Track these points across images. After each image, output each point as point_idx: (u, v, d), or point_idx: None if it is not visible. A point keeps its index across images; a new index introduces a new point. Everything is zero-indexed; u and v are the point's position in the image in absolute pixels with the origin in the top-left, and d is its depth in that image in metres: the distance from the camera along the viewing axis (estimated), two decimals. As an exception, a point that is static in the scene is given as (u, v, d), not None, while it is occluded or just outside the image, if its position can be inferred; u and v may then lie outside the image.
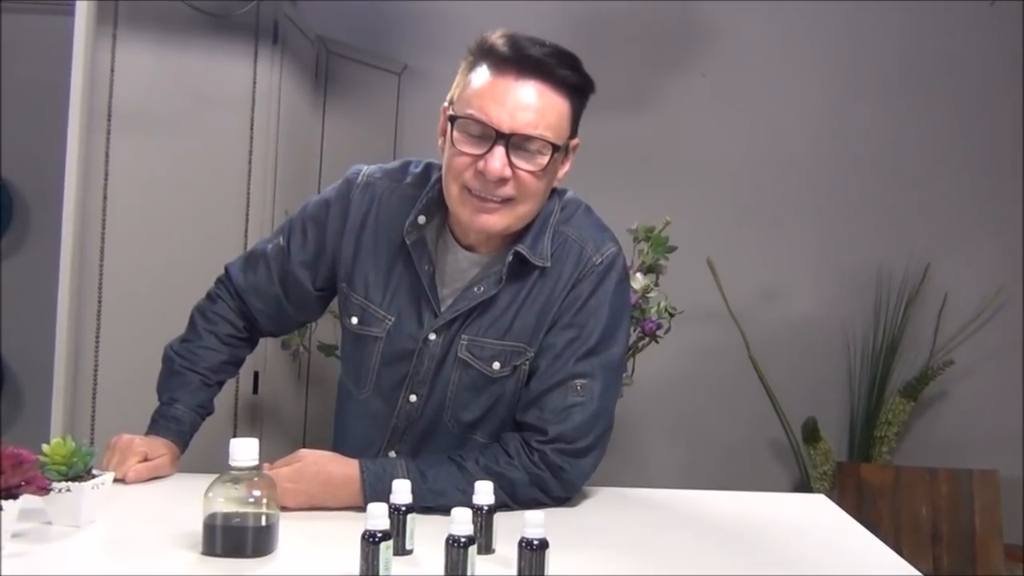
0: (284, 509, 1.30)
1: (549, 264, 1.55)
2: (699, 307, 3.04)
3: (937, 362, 3.23)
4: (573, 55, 1.50)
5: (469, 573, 1.12)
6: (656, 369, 2.92)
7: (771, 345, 3.30)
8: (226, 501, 1.20)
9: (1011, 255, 3.31)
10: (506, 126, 1.45)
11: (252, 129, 2.59)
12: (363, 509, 1.15)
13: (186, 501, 1.32)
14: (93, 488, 1.32)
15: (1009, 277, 3.31)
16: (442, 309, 1.58)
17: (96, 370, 2.45)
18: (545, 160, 1.48)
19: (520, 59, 1.46)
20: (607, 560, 1.31)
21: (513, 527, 1.18)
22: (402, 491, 1.25)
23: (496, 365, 1.57)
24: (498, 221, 1.50)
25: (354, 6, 3.30)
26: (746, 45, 3.35)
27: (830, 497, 1.81)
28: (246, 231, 2.57)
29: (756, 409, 3.32)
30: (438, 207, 1.58)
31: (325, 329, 2.70)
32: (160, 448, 1.62)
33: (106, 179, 2.46)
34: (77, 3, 2.26)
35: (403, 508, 1.24)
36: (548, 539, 1.14)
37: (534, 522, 1.14)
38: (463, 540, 1.13)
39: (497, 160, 1.45)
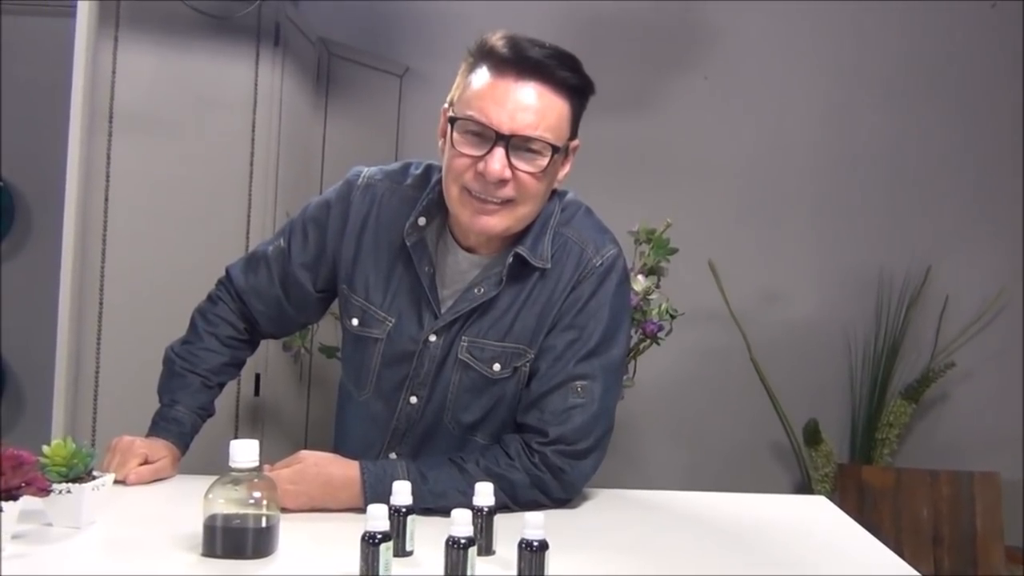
0: (284, 510, 1.30)
1: (549, 266, 1.55)
2: (700, 309, 3.04)
3: (938, 364, 3.23)
4: (573, 56, 1.50)
5: (469, 574, 1.12)
6: (657, 371, 2.92)
7: (772, 347, 3.30)
8: (226, 502, 1.20)
9: (1012, 257, 3.31)
10: (506, 127, 1.45)
11: (253, 131, 2.59)
12: (363, 510, 1.15)
13: (186, 502, 1.32)
14: (93, 489, 1.32)
15: (1010, 279, 3.31)
16: (442, 310, 1.58)
17: (97, 372, 2.45)
18: (545, 161, 1.48)
19: (520, 60, 1.46)
20: (607, 561, 1.31)
21: (513, 528, 1.18)
22: (402, 492, 1.25)
23: (496, 367, 1.57)
24: (498, 222, 1.51)
25: (356, 8, 3.30)
26: (747, 47, 3.35)
27: (831, 499, 1.80)
28: (247, 233, 2.57)
29: (757, 411, 3.32)
30: (438, 208, 1.58)
31: (326, 331, 2.70)
32: (161, 450, 1.62)
33: (107, 181, 2.46)
34: (78, 5, 2.27)
35: (403, 509, 1.24)
36: (548, 540, 1.14)
37: (534, 523, 1.14)
38: (463, 541, 1.13)
39: (497, 161, 1.45)
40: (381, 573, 1.11)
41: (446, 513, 1.17)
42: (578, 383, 1.53)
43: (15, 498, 1.18)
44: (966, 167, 3.34)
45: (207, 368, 1.71)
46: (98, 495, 1.34)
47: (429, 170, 1.64)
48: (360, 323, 1.63)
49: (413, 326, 1.59)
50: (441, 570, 1.14)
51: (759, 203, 3.36)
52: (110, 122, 2.46)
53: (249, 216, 2.58)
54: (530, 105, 1.46)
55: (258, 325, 1.76)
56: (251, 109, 2.59)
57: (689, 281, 2.80)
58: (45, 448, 1.31)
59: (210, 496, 1.20)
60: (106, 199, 2.46)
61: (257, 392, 2.60)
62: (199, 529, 1.21)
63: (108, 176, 2.46)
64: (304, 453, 1.49)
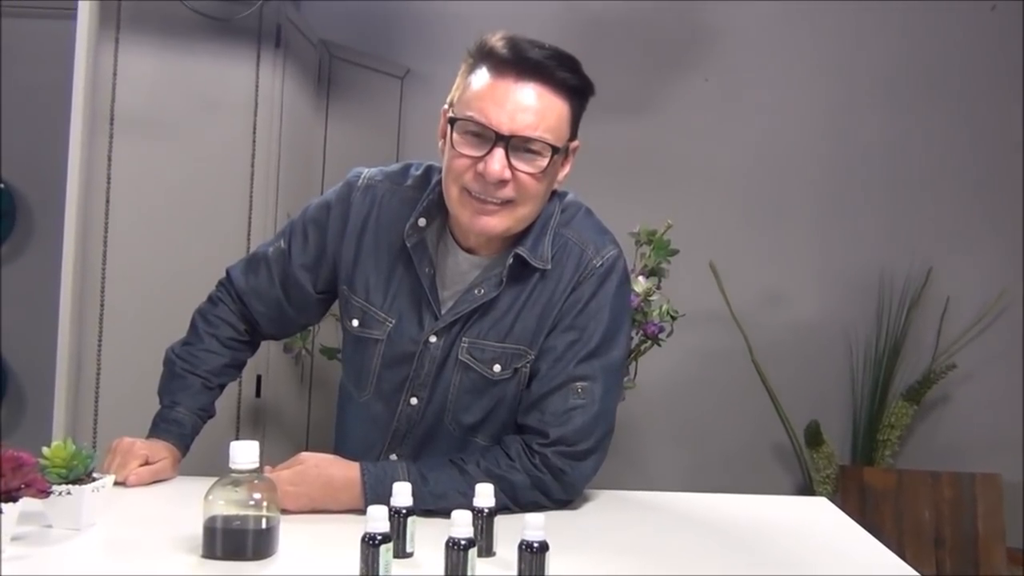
0: (285, 512, 1.30)
1: (550, 267, 1.56)
2: (701, 310, 3.04)
3: (939, 366, 3.22)
4: (573, 57, 1.50)
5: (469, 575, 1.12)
6: (658, 372, 2.92)
7: (773, 348, 3.30)
8: (226, 504, 1.20)
9: (1013, 259, 3.31)
10: (506, 128, 1.45)
11: (255, 133, 2.59)
12: (364, 512, 1.15)
13: (187, 504, 1.32)
14: (93, 491, 1.32)
15: (1011, 281, 3.30)
16: (443, 311, 1.58)
17: (98, 373, 2.45)
18: (545, 162, 1.48)
19: (520, 61, 1.46)
20: (608, 562, 1.31)
21: (514, 529, 1.18)
22: (403, 494, 1.25)
23: (497, 368, 1.57)
24: (498, 223, 1.51)
25: (357, 10, 3.31)
26: (748, 49, 3.35)
27: (833, 500, 1.80)
28: (248, 235, 2.57)
29: (758, 413, 3.32)
30: (438, 209, 1.58)
31: (327, 332, 2.70)
32: (161, 451, 1.62)
33: (108, 183, 2.46)
34: (79, 7, 2.27)
35: (403, 511, 1.24)
36: (548, 542, 1.14)
37: (534, 524, 1.14)
38: (463, 543, 1.13)
39: (497, 162, 1.45)
40: (381, 574, 1.11)
41: (446, 514, 1.17)
42: (578, 384, 1.53)
43: (15, 499, 1.18)
44: (967, 169, 3.34)
45: (207, 369, 1.71)
46: (98, 497, 1.33)
47: (429, 171, 1.64)
48: (360, 324, 1.63)
49: (413, 327, 1.59)
50: (441, 571, 1.14)
51: (760, 204, 3.36)
52: (111, 124, 2.46)
53: (250, 218, 2.58)
54: (530, 106, 1.46)
55: (258, 326, 1.76)
56: (252, 111, 2.59)
57: (690, 282, 2.80)
58: (45, 450, 1.31)
59: (210, 497, 1.20)
60: (107, 201, 2.46)
61: (258, 394, 2.60)
62: (199, 530, 1.21)
63: (109, 178, 2.46)
64: (304, 455, 1.49)
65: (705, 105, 3.36)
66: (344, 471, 1.47)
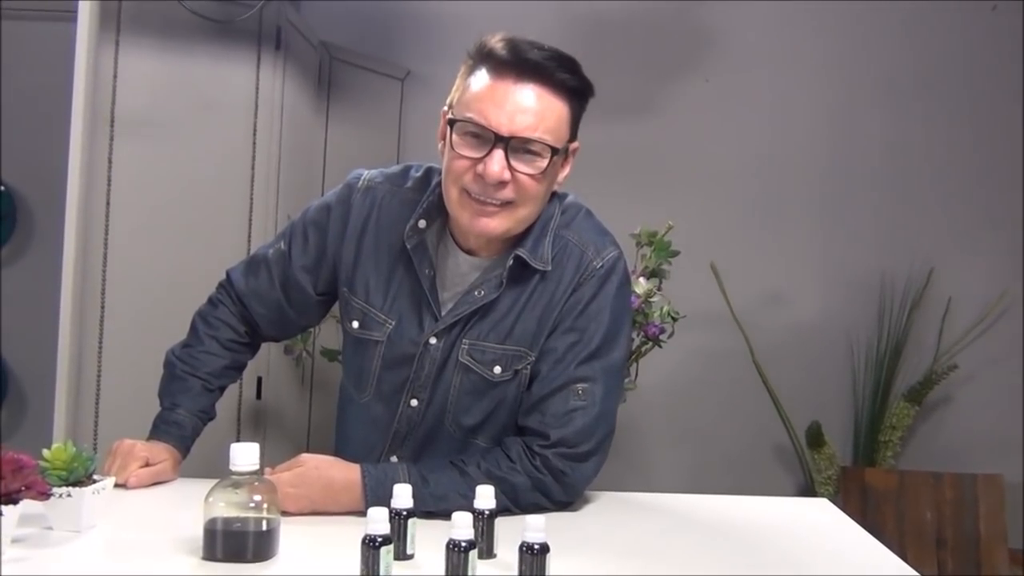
0: (285, 514, 1.30)
1: (550, 268, 1.55)
2: (702, 312, 3.04)
3: (941, 366, 3.22)
4: (572, 58, 1.50)
5: (470, 577, 1.12)
6: (659, 374, 2.92)
7: (775, 350, 3.30)
8: (227, 506, 1.20)
9: (1014, 259, 3.31)
10: (505, 129, 1.45)
11: (255, 135, 2.59)
12: (364, 514, 1.15)
13: (187, 506, 1.32)
14: (94, 493, 1.32)
15: (1012, 281, 3.30)
16: (443, 313, 1.58)
17: (99, 375, 2.45)
18: (544, 163, 1.48)
19: (519, 62, 1.46)
20: (608, 564, 1.30)
21: (514, 531, 1.18)
22: (403, 495, 1.25)
23: (497, 369, 1.56)
24: (498, 225, 1.50)
25: (357, 12, 3.31)
26: (749, 50, 3.35)
27: (834, 502, 1.80)
28: (249, 236, 2.57)
29: (760, 414, 3.32)
30: (439, 211, 1.58)
31: (328, 334, 2.70)
32: (162, 453, 1.62)
33: (109, 185, 2.46)
34: (79, 9, 2.27)
35: (404, 512, 1.24)
36: (549, 543, 1.14)
37: (535, 526, 1.14)
38: (464, 544, 1.13)
39: (496, 163, 1.45)
40: None
41: (447, 516, 1.17)
42: (579, 386, 1.52)
43: (15, 502, 1.18)
44: (968, 169, 3.33)
45: (208, 371, 1.71)
46: (98, 499, 1.33)
47: (429, 173, 1.64)
48: (360, 325, 1.63)
49: (413, 328, 1.59)
50: (442, 573, 1.14)
51: (761, 205, 3.36)
52: (111, 126, 2.46)
53: (251, 220, 2.58)
54: (529, 107, 1.46)
55: (259, 328, 1.76)
56: (252, 113, 2.59)
57: (691, 284, 2.80)
58: (45, 452, 1.31)
59: (211, 499, 1.20)
60: (107, 203, 2.46)
61: (259, 395, 2.60)
62: (200, 532, 1.21)
63: (109, 180, 2.46)
64: (305, 456, 1.49)
65: (705, 106, 3.36)
66: (344, 473, 1.47)
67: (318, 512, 1.44)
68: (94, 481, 1.34)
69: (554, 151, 1.49)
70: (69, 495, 1.30)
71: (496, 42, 1.48)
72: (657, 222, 2.52)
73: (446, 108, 1.55)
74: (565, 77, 1.48)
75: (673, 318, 2.48)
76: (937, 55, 3.33)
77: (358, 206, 1.63)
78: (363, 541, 1.13)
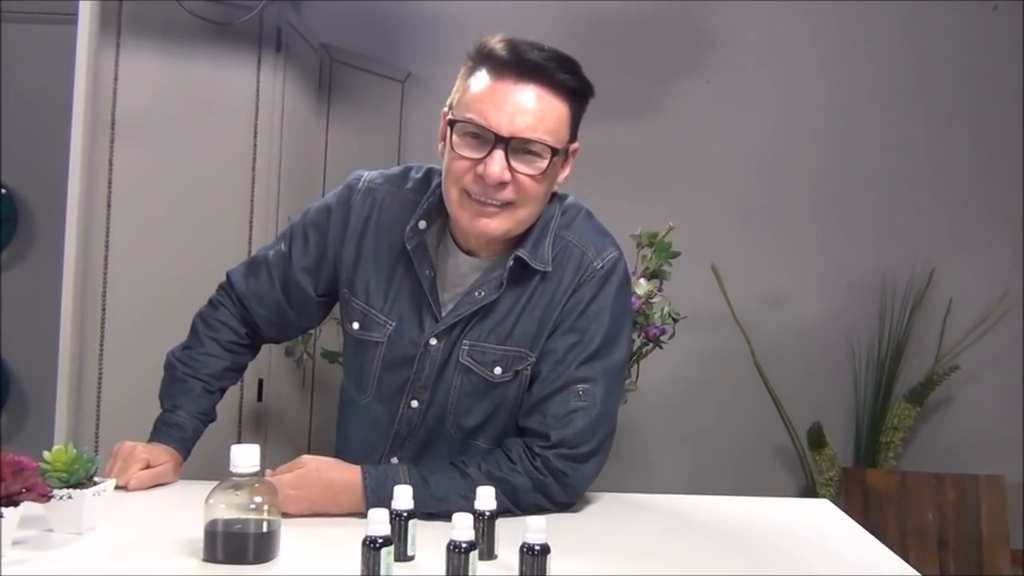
0: (286, 515, 1.30)
1: (550, 269, 1.55)
2: (703, 313, 3.04)
3: (942, 367, 3.22)
4: (572, 59, 1.50)
5: (470, 578, 1.12)
6: (660, 375, 2.91)
7: (776, 351, 3.29)
8: (227, 507, 1.20)
9: (1016, 260, 3.30)
10: (505, 130, 1.45)
11: (256, 136, 2.59)
12: (365, 515, 1.16)
13: (188, 507, 1.32)
14: (94, 495, 1.32)
15: (1014, 282, 3.30)
16: (443, 314, 1.58)
17: (100, 377, 2.45)
18: (544, 164, 1.48)
19: (519, 63, 1.46)
20: (609, 565, 1.30)
21: (515, 532, 1.18)
22: (403, 497, 1.25)
23: (497, 370, 1.56)
24: (498, 226, 1.50)
25: (358, 13, 3.31)
26: (749, 51, 3.35)
27: (836, 503, 1.80)
28: (250, 238, 2.57)
29: (761, 415, 3.31)
30: (439, 212, 1.58)
31: (329, 335, 2.70)
32: (162, 455, 1.62)
33: (110, 187, 2.46)
34: (80, 11, 2.27)
35: (404, 514, 1.24)
36: (550, 544, 1.14)
37: (535, 527, 1.14)
38: (464, 545, 1.13)
39: (496, 164, 1.45)
40: (382, 577, 1.11)
41: (448, 517, 1.17)
42: (579, 386, 1.52)
43: (16, 504, 1.18)
44: (969, 170, 3.33)
45: (208, 373, 1.71)
46: (99, 501, 1.33)
47: (429, 174, 1.64)
48: (361, 327, 1.63)
49: (414, 329, 1.59)
50: (443, 574, 1.14)
51: (761, 206, 3.35)
52: (112, 128, 2.46)
53: (251, 222, 2.58)
54: (529, 107, 1.46)
55: (259, 330, 1.76)
56: (253, 115, 2.59)
57: (692, 285, 2.79)
58: (46, 454, 1.31)
59: (211, 501, 1.20)
60: (108, 205, 2.46)
61: (260, 397, 2.60)
62: (200, 534, 1.21)
63: (110, 182, 2.46)
64: (305, 458, 1.49)
65: (706, 107, 3.36)
66: (345, 474, 1.46)
67: (319, 513, 1.44)
68: (95, 483, 1.34)
69: (554, 152, 1.49)
70: (70, 497, 1.30)
71: (496, 43, 1.48)
72: (657, 223, 2.52)
73: (446, 109, 1.55)
74: (565, 78, 1.48)
75: (674, 319, 2.48)
76: (938, 55, 3.33)
77: (358, 207, 1.63)
78: (364, 542, 1.13)
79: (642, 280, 2.44)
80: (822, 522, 1.61)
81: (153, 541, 1.30)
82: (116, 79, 2.46)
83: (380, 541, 1.13)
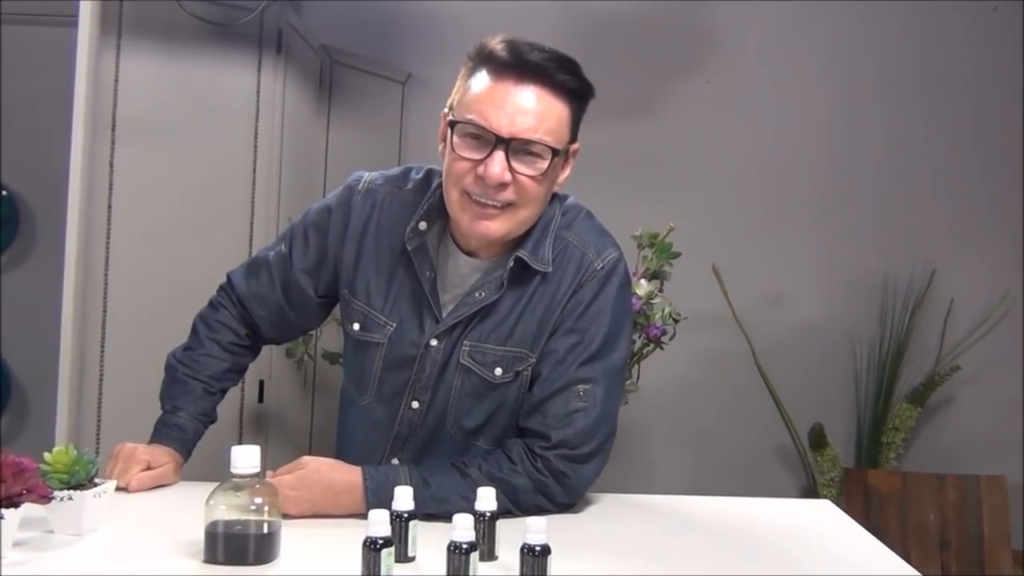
0: (286, 516, 1.30)
1: (550, 269, 1.55)
2: (704, 313, 3.04)
3: (944, 368, 3.21)
4: (572, 60, 1.50)
5: (471, 579, 1.12)
6: (661, 375, 2.91)
7: (777, 351, 3.29)
8: (228, 509, 1.20)
9: (1016, 260, 3.30)
10: (506, 131, 1.45)
11: (256, 138, 2.59)
12: (366, 516, 1.15)
13: (188, 509, 1.32)
14: (95, 496, 1.32)
15: (1015, 282, 3.30)
16: (443, 315, 1.58)
17: (101, 379, 2.45)
18: (545, 164, 1.48)
19: (519, 64, 1.46)
20: (610, 565, 1.30)
21: (516, 533, 1.18)
22: (404, 498, 1.25)
23: (498, 371, 1.56)
24: (498, 227, 1.51)
25: (358, 15, 3.31)
26: (750, 51, 3.35)
27: (837, 503, 1.80)
28: (251, 240, 2.57)
29: (762, 416, 3.31)
30: (439, 213, 1.58)
31: (330, 337, 2.70)
32: (163, 456, 1.62)
33: (110, 188, 2.46)
34: (80, 12, 2.27)
35: (405, 515, 1.23)
36: (550, 545, 1.14)
37: (536, 528, 1.14)
38: (465, 546, 1.13)
39: (497, 165, 1.45)
40: (382, 578, 1.11)
41: (448, 518, 1.17)
42: (580, 387, 1.52)
43: (16, 505, 1.18)
44: (970, 170, 3.33)
45: (209, 374, 1.71)
46: (100, 502, 1.33)
47: (430, 174, 1.64)
48: (361, 327, 1.63)
49: (414, 330, 1.59)
50: (443, 575, 1.13)
51: (762, 207, 3.35)
52: (113, 130, 2.46)
53: (252, 223, 2.58)
54: (529, 108, 1.46)
55: (260, 331, 1.76)
56: (254, 116, 2.59)
57: (692, 285, 2.79)
58: (47, 455, 1.31)
59: (211, 502, 1.20)
60: (109, 206, 2.46)
61: (261, 399, 2.60)
62: (201, 535, 1.21)
63: (111, 183, 2.46)
64: (306, 459, 1.49)
65: (707, 107, 3.36)
66: (345, 475, 1.46)
67: (319, 515, 1.44)
68: (95, 484, 1.34)
69: (555, 152, 1.49)
70: (70, 498, 1.30)
71: (496, 43, 1.48)
72: (658, 224, 2.52)
73: (446, 110, 1.55)
74: (565, 78, 1.48)
75: (675, 320, 2.47)
76: (938, 56, 3.33)
77: (358, 208, 1.63)
78: (364, 543, 1.13)
79: (643, 281, 2.44)
80: (823, 523, 1.61)
81: (154, 542, 1.30)
82: (116, 81, 2.46)
83: (381, 542, 1.13)
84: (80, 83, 2.26)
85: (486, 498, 1.27)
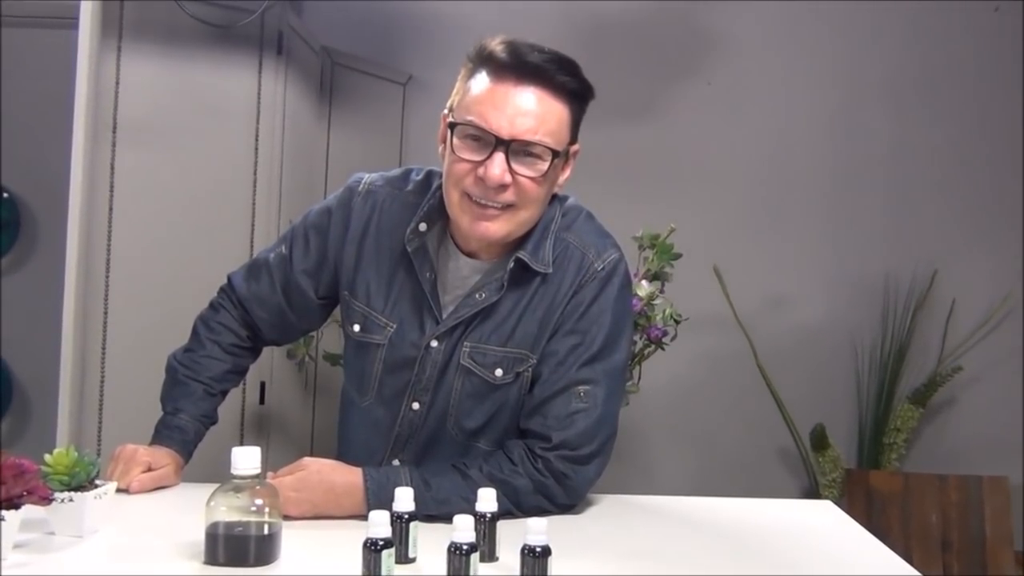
0: (287, 518, 1.30)
1: (551, 270, 1.55)
2: (705, 314, 3.04)
3: (945, 368, 3.21)
4: (572, 61, 1.50)
5: (471, 581, 1.12)
6: (662, 377, 2.91)
7: (779, 352, 3.29)
8: (228, 510, 1.20)
9: (1018, 261, 3.30)
10: (506, 132, 1.45)
11: (257, 140, 2.59)
12: (366, 517, 1.16)
13: (189, 510, 1.32)
14: (96, 498, 1.32)
15: (1016, 283, 3.29)
16: (444, 316, 1.58)
17: (102, 381, 2.45)
18: (545, 166, 1.48)
19: (519, 65, 1.46)
20: (611, 567, 1.30)
21: (516, 534, 1.17)
22: (405, 499, 1.25)
23: (499, 372, 1.56)
24: (499, 228, 1.51)
25: (359, 17, 3.31)
26: (751, 52, 3.35)
27: (839, 504, 1.79)
28: (251, 242, 2.57)
29: (764, 417, 3.31)
30: (439, 214, 1.58)
31: (331, 338, 2.70)
32: (164, 458, 1.62)
33: (111, 191, 2.46)
34: (81, 14, 2.27)
35: (405, 516, 1.23)
36: (551, 546, 1.14)
37: (537, 529, 1.14)
38: (466, 547, 1.13)
39: (497, 166, 1.46)
40: (383, 580, 1.11)
41: (449, 519, 1.17)
42: (581, 388, 1.52)
43: (17, 507, 1.18)
44: (971, 171, 3.33)
45: (210, 376, 1.71)
46: (100, 504, 1.33)
47: (430, 176, 1.64)
48: (362, 329, 1.63)
49: (414, 331, 1.59)
50: (443, 576, 1.14)
51: (764, 208, 3.35)
52: (113, 132, 2.46)
53: (253, 225, 2.58)
54: (530, 110, 1.46)
55: (260, 332, 1.76)
56: (255, 118, 2.59)
57: (693, 286, 2.79)
58: (47, 457, 1.31)
59: (212, 504, 1.20)
60: (110, 209, 2.46)
61: (262, 400, 2.60)
62: (201, 537, 1.21)
63: (112, 186, 2.46)
64: (307, 460, 1.49)
65: (708, 108, 3.35)
66: (346, 477, 1.46)
67: (320, 516, 1.44)
68: (96, 486, 1.34)
69: (555, 154, 1.49)
70: (71, 500, 1.30)
71: (496, 45, 1.48)
72: (659, 225, 2.52)
73: (446, 111, 1.55)
74: (565, 80, 1.48)
75: (676, 321, 2.47)
76: (940, 57, 3.33)
77: (359, 210, 1.64)
78: (365, 544, 1.13)
79: (644, 282, 2.44)
80: (825, 524, 1.61)
81: (154, 544, 1.30)
82: (117, 83, 2.46)
83: (381, 543, 1.13)
84: (81, 85, 2.26)
85: (487, 499, 1.27)
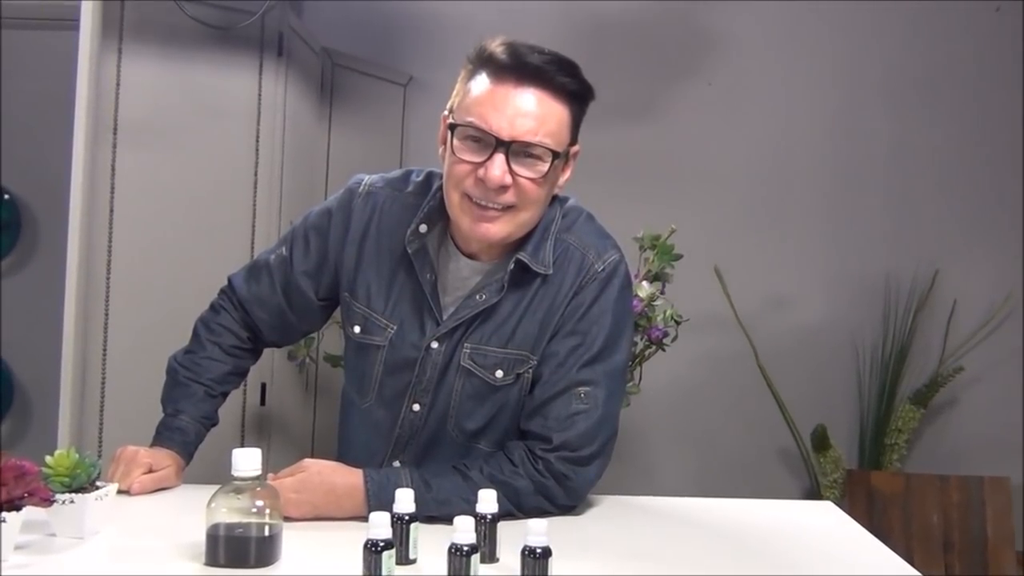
0: (287, 519, 1.30)
1: (551, 271, 1.55)
2: (706, 315, 3.04)
3: (947, 369, 3.21)
4: (572, 62, 1.50)
5: (472, 582, 1.12)
6: (663, 377, 2.91)
7: (779, 353, 3.29)
8: (229, 511, 1.20)
9: (1019, 261, 3.30)
10: (506, 133, 1.45)
11: (258, 141, 2.60)
12: (367, 519, 1.16)
13: (190, 512, 1.32)
14: (96, 499, 1.32)
15: (1017, 283, 3.29)
16: (444, 317, 1.57)
17: (103, 382, 2.45)
18: (545, 167, 1.48)
19: (519, 66, 1.46)
20: (611, 567, 1.30)
21: (517, 535, 1.17)
22: (405, 500, 1.25)
23: (499, 373, 1.56)
24: (499, 230, 1.51)
25: (360, 18, 3.31)
26: (752, 53, 3.35)
27: (840, 505, 1.79)
28: (252, 243, 2.57)
29: (765, 417, 3.31)
30: (440, 215, 1.58)
31: (331, 340, 2.70)
32: (165, 459, 1.62)
33: (112, 192, 2.46)
34: (82, 16, 2.27)
35: (406, 517, 1.23)
36: (551, 547, 1.14)
37: (537, 530, 1.14)
38: (466, 548, 1.13)
39: (497, 167, 1.46)
40: (383, 581, 1.11)
41: (449, 521, 1.17)
42: (581, 389, 1.52)
43: (18, 508, 1.18)
44: (972, 171, 3.33)
45: (210, 377, 1.71)
46: (101, 505, 1.33)
47: (430, 177, 1.64)
48: (362, 330, 1.63)
49: (415, 333, 1.59)
50: (444, 577, 1.14)
51: (764, 208, 3.35)
52: (114, 133, 2.46)
53: (254, 226, 2.58)
54: (530, 111, 1.46)
55: (261, 334, 1.76)
56: (255, 119, 2.59)
57: (694, 287, 2.79)
58: (48, 458, 1.31)
59: (213, 505, 1.20)
60: (111, 210, 2.46)
61: (263, 402, 2.60)
62: (202, 538, 1.21)
63: (113, 187, 2.46)
64: (307, 461, 1.49)
65: (708, 109, 3.35)
66: (347, 478, 1.46)
67: (320, 517, 1.44)
68: (97, 487, 1.34)
69: (555, 155, 1.49)
70: (72, 501, 1.30)
71: (496, 46, 1.49)
72: (660, 225, 2.52)
73: (446, 112, 1.55)
74: (565, 81, 1.48)
75: (676, 321, 2.47)
76: (941, 57, 3.33)
77: (359, 211, 1.64)
78: (365, 546, 1.13)
79: (644, 283, 2.44)
80: (826, 524, 1.61)
81: (155, 545, 1.30)
82: (118, 84, 2.46)
83: (382, 544, 1.13)
84: (81, 87, 2.27)
85: (487, 500, 1.27)
